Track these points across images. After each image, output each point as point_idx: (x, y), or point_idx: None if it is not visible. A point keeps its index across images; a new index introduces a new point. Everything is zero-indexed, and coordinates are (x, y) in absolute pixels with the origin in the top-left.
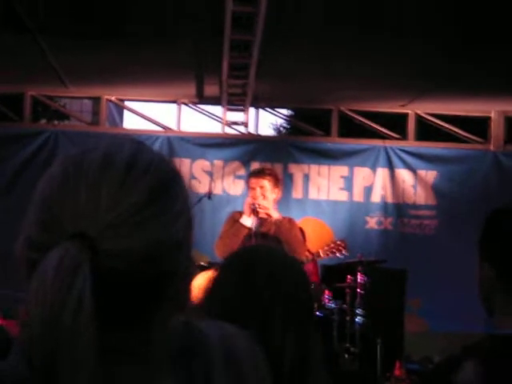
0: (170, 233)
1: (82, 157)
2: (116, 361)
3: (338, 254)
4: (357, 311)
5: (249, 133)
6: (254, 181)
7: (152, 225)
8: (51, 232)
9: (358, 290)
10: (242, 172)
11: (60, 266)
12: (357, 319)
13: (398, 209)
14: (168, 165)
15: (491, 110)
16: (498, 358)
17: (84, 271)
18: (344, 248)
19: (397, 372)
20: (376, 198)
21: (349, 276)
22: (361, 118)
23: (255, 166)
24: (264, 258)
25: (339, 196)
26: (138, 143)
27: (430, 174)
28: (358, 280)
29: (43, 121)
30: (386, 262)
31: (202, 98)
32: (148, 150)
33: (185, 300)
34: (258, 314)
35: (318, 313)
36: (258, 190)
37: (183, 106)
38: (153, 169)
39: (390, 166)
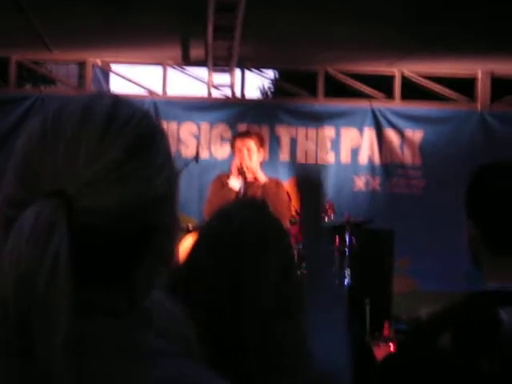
0: (150, 187)
1: (60, 111)
2: (95, 319)
3: (325, 217)
4: (345, 272)
5: (235, 95)
6: (239, 142)
7: (132, 180)
8: (29, 189)
9: (346, 251)
10: (229, 135)
11: (36, 224)
12: (345, 280)
13: (386, 169)
14: (148, 119)
15: (478, 69)
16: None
17: (61, 229)
18: (331, 211)
19: (385, 332)
20: (363, 158)
21: (337, 237)
22: (347, 79)
23: (242, 128)
24: (237, 215)
25: (327, 158)
26: (117, 97)
27: (416, 134)
28: (346, 241)
29: (29, 86)
30: (373, 222)
31: (187, 61)
32: (128, 104)
33: (169, 256)
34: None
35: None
36: (245, 152)
37: (169, 69)
38: (133, 123)
39: (377, 127)
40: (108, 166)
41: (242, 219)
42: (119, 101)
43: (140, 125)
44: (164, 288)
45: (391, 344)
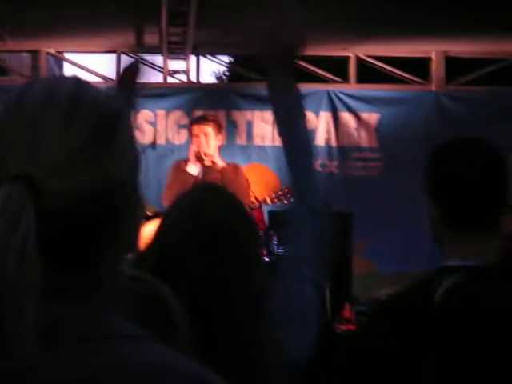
0: (115, 170)
1: (23, 94)
2: (63, 303)
3: (285, 201)
4: None
5: (190, 81)
6: (196, 128)
7: (97, 163)
8: None
9: None
10: (185, 121)
11: (3, 208)
12: None
13: (343, 152)
14: (113, 101)
15: (432, 50)
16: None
17: (28, 214)
18: (291, 195)
19: (346, 313)
20: (320, 141)
21: None
22: (302, 63)
23: (198, 114)
24: (209, 204)
25: None
26: (79, 80)
27: (372, 117)
28: None
29: None
30: (331, 205)
31: (141, 48)
32: (91, 87)
33: (134, 239)
34: (203, 255)
35: (266, 259)
36: (202, 138)
37: (123, 56)
38: (97, 105)
39: (333, 110)
40: (72, 149)
41: (210, 205)
42: (83, 84)
43: (104, 108)
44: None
45: (351, 326)
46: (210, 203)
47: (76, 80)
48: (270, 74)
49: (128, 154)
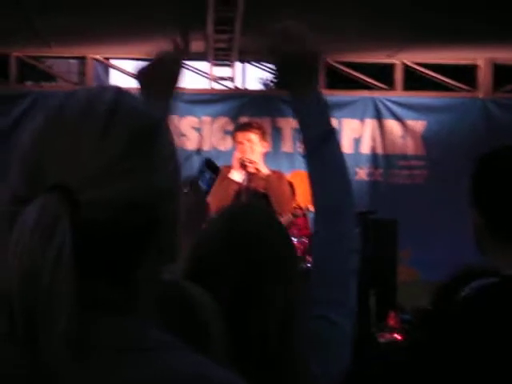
0: (154, 181)
1: (62, 105)
2: (100, 313)
3: None
4: None
5: (236, 88)
6: (240, 135)
7: (135, 173)
8: (33, 184)
9: None
10: (231, 127)
11: (39, 218)
12: None
13: (388, 160)
14: (150, 112)
15: (478, 57)
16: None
17: (63, 224)
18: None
19: (391, 322)
20: (365, 149)
21: None
22: (348, 70)
23: (243, 120)
24: (245, 217)
25: None
26: (119, 89)
27: (418, 124)
28: None
29: (29, 82)
30: (376, 212)
31: (187, 54)
32: (130, 96)
33: (174, 251)
34: (237, 273)
35: (309, 265)
36: (246, 144)
37: None
38: (134, 116)
39: (379, 117)
40: (110, 160)
41: (245, 217)
42: (122, 93)
43: (143, 117)
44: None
45: (397, 335)
46: (245, 216)
47: (116, 90)
48: (287, 85)
49: (168, 163)
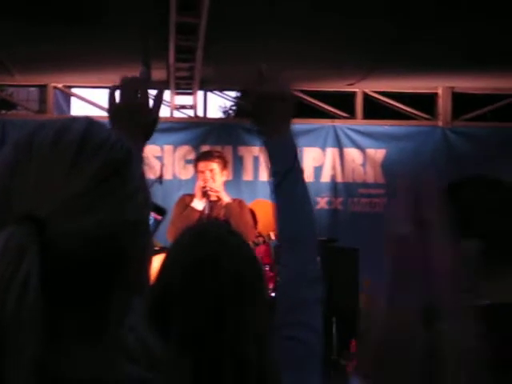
0: (123, 213)
1: (33, 135)
2: (67, 343)
3: None
4: None
5: (197, 116)
6: (202, 164)
7: (104, 205)
8: (1, 214)
9: None
10: (192, 156)
11: (5, 250)
12: None
13: (348, 188)
14: (121, 143)
15: (438, 86)
16: None
17: (31, 253)
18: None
19: (353, 349)
20: (326, 177)
21: None
22: (309, 98)
23: (205, 149)
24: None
25: None
26: (90, 121)
27: (379, 153)
28: None
29: None
30: (337, 241)
31: (150, 82)
32: (100, 128)
33: (143, 281)
34: (204, 296)
35: (273, 294)
36: (208, 173)
37: None
38: (105, 148)
39: (339, 146)
40: (79, 191)
41: (209, 239)
42: (93, 125)
43: (113, 149)
44: (139, 310)
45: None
46: (209, 238)
47: (86, 121)
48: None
49: (136, 195)
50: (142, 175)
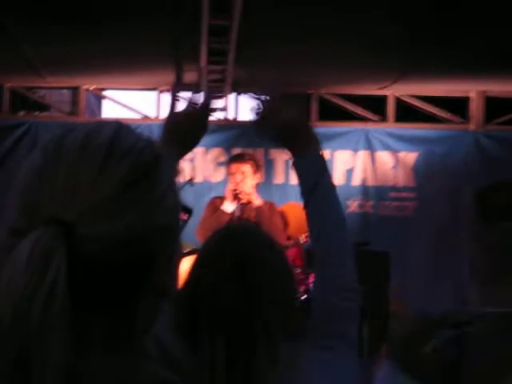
0: (151, 217)
1: (62, 139)
2: (95, 349)
3: None
4: None
5: (229, 119)
6: (234, 166)
7: (132, 210)
8: (29, 217)
9: None
10: (223, 159)
11: (32, 253)
12: None
13: (379, 192)
14: (150, 147)
15: (471, 89)
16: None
17: (58, 257)
18: None
19: (383, 354)
20: (357, 181)
21: None
22: (340, 102)
23: (236, 152)
24: (237, 239)
25: None
26: (119, 125)
27: (410, 156)
28: None
29: (22, 112)
30: (369, 244)
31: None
32: (129, 132)
33: (171, 286)
34: (233, 298)
35: (303, 297)
36: (239, 176)
37: (163, 94)
38: (134, 152)
39: (371, 149)
40: (107, 195)
41: (238, 239)
42: (122, 129)
43: (142, 153)
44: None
45: None
46: (238, 238)
47: (115, 126)
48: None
49: (166, 200)
50: (171, 179)
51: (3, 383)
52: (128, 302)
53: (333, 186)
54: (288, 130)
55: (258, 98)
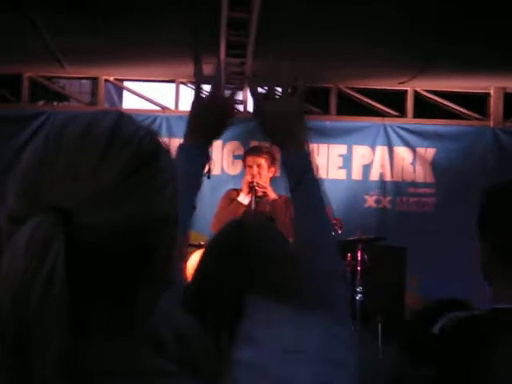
0: (151, 206)
1: (63, 127)
2: (92, 336)
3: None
4: (357, 289)
5: (247, 111)
6: (250, 159)
7: (132, 198)
8: (29, 204)
9: (358, 268)
10: (241, 151)
11: (31, 240)
12: (357, 297)
13: (397, 187)
14: (151, 137)
15: (490, 86)
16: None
17: (56, 245)
18: (339, 227)
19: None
20: (375, 176)
21: (348, 254)
22: (359, 96)
23: (253, 144)
24: (245, 233)
25: (338, 175)
26: (120, 114)
27: (428, 152)
28: (358, 258)
29: (41, 102)
30: (385, 239)
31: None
32: (131, 121)
33: (170, 275)
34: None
35: None
36: (255, 169)
37: (181, 85)
38: (134, 141)
39: (389, 144)
40: (107, 184)
41: (247, 231)
42: (123, 118)
43: (142, 143)
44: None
45: None
46: (247, 231)
47: (116, 114)
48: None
49: (166, 190)
50: (172, 169)
51: (3, 369)
52: (127, 290)
53: (317, 184)
54: (271, 121)
55: (254, 93)
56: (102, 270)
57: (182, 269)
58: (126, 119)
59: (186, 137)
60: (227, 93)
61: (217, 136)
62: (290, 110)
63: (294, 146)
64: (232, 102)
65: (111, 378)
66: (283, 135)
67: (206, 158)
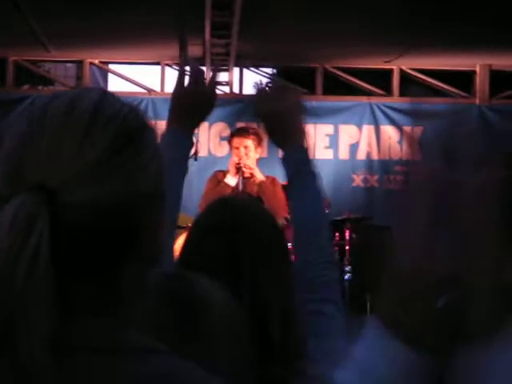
0: (135, 184)
1: (46, 105)
2: (79, 314)
3: None
4: (345, 268)
5: (233, 93)
6: (236, 140)
7: (116, 176)
8: (13, 183)
9: (347, 247)
10: (227, 133)
11: (16, 218)
12: (345, 276)
13: (384, 165)
14: (135, 114)
15: (476, 63)
16: None
17: (41, 223)
18: (326, 207)
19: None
20: (361, 155)
21: (336, 233)
22: (345, 75)
23: (240, 125)
24: (230, 208)
25: (325, 154)
26: (103, 92)
27: (415, 130)
28: (346, 237)
29: (27, 86)
30: (371, 219)
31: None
32: (113, 99)
33: (157, 252)
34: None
35: None
36: (242, 150)
37: (167, 68)
38: (118, 118)
39: (376, 123)
40: (91, 161)
41: (237, 207)
42: (106, 95)
43: (126, 120)
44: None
45: None
46: (231, 204)
47: (99, 92)
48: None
49: (151, 167)
50: (155, 146)
51: None
52: (113, 268)
53: (315, 177)
54: (270, 120)
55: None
56: (87, 248)
57: (171, 249)
58: (109, 96)
59: (169, 121)
60: (209, 74)
61: (201, 120)
62: (289, 109)
63: (294, 143)
64: (213, 84)
65: (96, 356)
66: (283, 134)
67: (191, 140)
